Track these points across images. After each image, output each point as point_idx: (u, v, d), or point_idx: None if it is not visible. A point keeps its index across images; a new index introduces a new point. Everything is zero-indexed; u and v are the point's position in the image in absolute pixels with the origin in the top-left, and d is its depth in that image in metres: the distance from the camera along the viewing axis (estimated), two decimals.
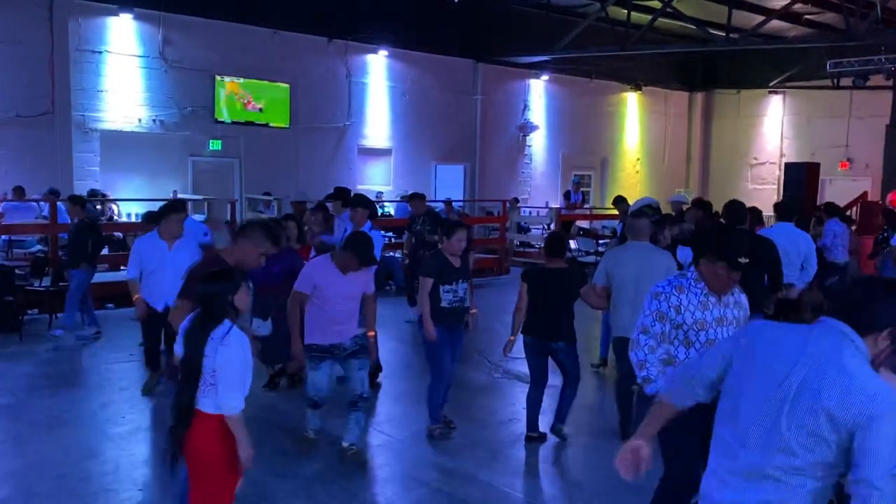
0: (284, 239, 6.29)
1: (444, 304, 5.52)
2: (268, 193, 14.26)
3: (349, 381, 5.29)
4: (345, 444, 5.26)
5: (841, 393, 2.11)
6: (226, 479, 3.44)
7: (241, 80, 14.84)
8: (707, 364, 2.50)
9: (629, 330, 4.04)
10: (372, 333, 5.40)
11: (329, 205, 8.97)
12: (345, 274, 5.08)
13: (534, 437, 5.69)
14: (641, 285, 4.93)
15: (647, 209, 8.09)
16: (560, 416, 5.79)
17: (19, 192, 11.58)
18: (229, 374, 3.26)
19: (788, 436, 2.17)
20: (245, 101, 14.95)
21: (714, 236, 3.71)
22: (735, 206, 6.55)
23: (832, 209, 10.83)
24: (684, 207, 9.30)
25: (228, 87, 14.75)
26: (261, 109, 15.24)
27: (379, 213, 16.03)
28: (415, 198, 10.20)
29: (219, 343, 3.26)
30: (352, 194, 8.58)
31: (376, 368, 7.09)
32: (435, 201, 16.90)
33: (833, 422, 2.11)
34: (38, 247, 11.14)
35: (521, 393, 7.18)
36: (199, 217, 13.86)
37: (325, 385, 5.36)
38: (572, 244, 14.84)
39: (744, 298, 3.72)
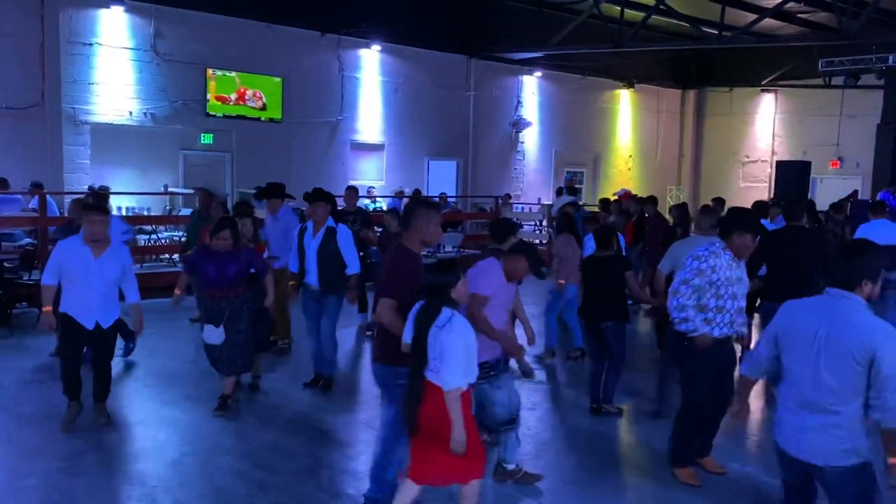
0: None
1: None
2: (260, 188, 14.21)
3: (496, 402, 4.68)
4: (510, 467, 4.81)
5: (856, 336, 3.14)
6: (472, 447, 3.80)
7: (234, 73, 14.79)
8: (765, 348, 3.52)
9: None
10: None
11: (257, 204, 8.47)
12: (508, 281, 4.69)
13: (594, 409, 6.19)
14: None
15: (570, 207, 9.62)
16: (606, 395, 6.22)
17: (3, 184, 11.49)
18: (452, 356, 3.68)
19: (827, 376, 3.21)
20: (237, 96, 14.89)
21: (742, 218, 4.81)
22: (793, 203, 6.99)
23: (778, 204, 11.78)
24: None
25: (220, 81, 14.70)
26: (263, 105, 15.18)
27: (372, 209, 16.07)
28: (349, 190, 9.49)
29: (440, 329, 3.71)
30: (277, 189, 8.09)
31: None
32: (429, 196, 16.92)
33: (854, 358, 3.12)
34: (28, 240, 11.07)
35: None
36: (187, 211, 13.83)
37: (517, 400, 4.81)
38: None
39: (743, 263, 4.81)
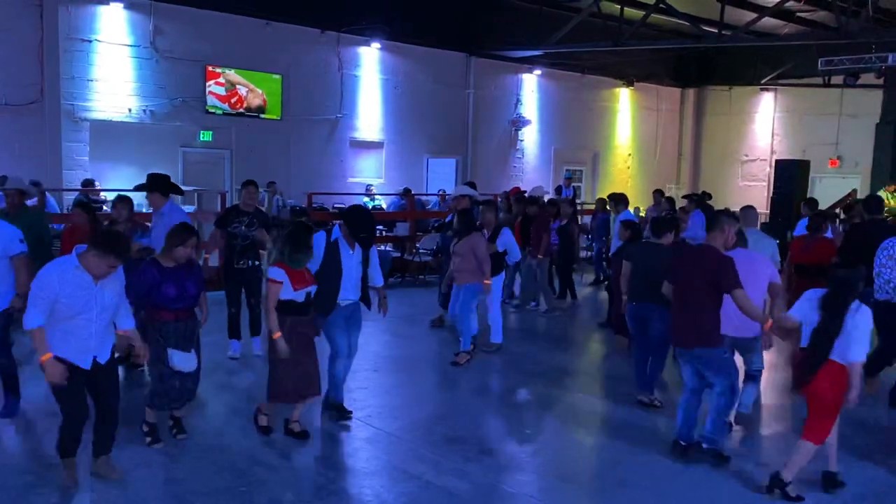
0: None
1: None
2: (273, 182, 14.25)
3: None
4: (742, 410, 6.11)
5: None
6: (835, 413, 4.65)
7: (233, 70, 14.77)
8: None
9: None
10: None
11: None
12: None
13: (643, 402, 6.43)
14: None
15: (466, 197, 9.47)
16: (648, 386, 6.45)
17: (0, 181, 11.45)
18: (860, 335, 4.51)
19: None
20: (235, 98, 14.88)
21: None
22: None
23: (700, 201, 12.58)
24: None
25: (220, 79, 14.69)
26: (263, 103, 15.16)
27: (371, 206, 16.07)
28: (248, 184, 8.07)
29: (855, 312, 4.52)
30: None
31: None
32: (428, 194, 16.92)
33: None
34: None
35: (512, 387, 7.20)
36: (189, 208, 13.84)
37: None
38: None
39: None
